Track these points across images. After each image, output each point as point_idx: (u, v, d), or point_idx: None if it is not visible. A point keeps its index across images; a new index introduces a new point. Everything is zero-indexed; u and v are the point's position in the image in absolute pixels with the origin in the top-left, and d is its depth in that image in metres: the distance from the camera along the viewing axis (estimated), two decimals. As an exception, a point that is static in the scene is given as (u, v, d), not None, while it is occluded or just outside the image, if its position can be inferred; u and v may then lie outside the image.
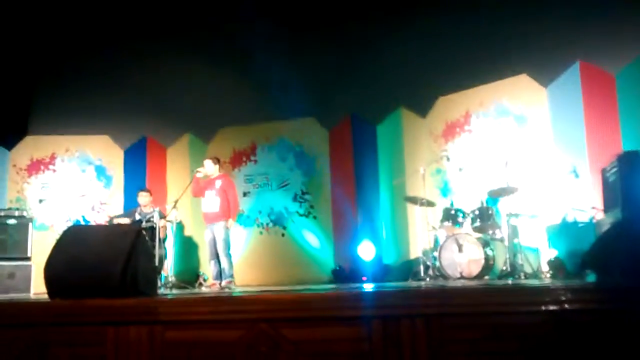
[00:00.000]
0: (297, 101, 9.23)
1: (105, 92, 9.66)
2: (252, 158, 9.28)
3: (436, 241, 6.84)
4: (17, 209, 7.92)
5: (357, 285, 6.51)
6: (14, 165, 9.11)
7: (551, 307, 2.27)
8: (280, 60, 9.54)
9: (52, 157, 9.21)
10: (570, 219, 5.96)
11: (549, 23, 7.64)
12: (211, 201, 7.20)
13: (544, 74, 7.31)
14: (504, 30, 7.99)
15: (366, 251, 8.02)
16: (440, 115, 8.27)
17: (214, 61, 9.57)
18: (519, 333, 2.28)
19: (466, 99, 8.00)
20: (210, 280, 7.37)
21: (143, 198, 7.96)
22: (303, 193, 8.95)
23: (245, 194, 9.04)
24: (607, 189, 5.43)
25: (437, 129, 8.25)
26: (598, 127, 6.57)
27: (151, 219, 7.35)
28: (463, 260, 6.35)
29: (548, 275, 5.96)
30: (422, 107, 8.50)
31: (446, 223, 6.79)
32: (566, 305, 2.25)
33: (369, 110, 8.92)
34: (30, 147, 9.22)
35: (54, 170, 9.17)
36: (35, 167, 9.15)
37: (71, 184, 9.15)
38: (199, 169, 7.26)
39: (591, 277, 3.48)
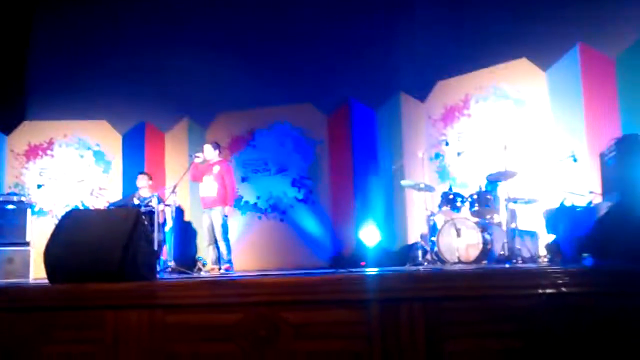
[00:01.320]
0: (296, 86, 9.21)
1: (102, 76, 9.61)
2: (251, 143, 9.26)
3: (434, 226, 6.85)
4: (16, 194, 7.93)
5: (356, 269, 6.53)
6: (12, 151, 9.09)
7: (548, 290, 2.28)
8: (278, 45, 9.50)
9: (50, 143, 9.18)
10: (568, 204, 5.96)
11: (548, 6, 7.60)
12: (209, 186, 7.21)
13: (544, 57, 7.28)
14: (503, 13, 7.95)
15: (370, 236, 8.06)
16: (439, 100, 8.25)
17: (212, 46, 9.52)
18: (516, 316, 2.29)
19: (465, 83, 7.98)
20: (209, 265, 7.39)
21: (141, 181, 7.93)
22: (302, 178, 8.95)
23: (243, 179, 9.03)
24: (606, 172, 5.43)
25: (436, 113, 8.24)
26: (597, 110, 6.57)
27: (150, 204, 7.35)
28: (461, 244, 6.36)
29: (546, 259, 5.99)
30: (421, 92, 8.48)
31: (444, 208, 6.79)
32: (563, 289, 2.26)
33: (368, 95, 8.90)
34: (28, 133, 9.19)
35: (52, 156, 9.15)
36: (33, 152, 9.13)
37: (69, 169, 9.14)
38: (197, 154, 7.24)
39: (589, 261, 3.50)
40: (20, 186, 8.91)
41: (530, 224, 6.65)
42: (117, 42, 9.78)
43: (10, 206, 7.55)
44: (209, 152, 7.34)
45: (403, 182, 7.47)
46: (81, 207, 8.79)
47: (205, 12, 9.71)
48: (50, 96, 9.76)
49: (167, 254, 7.41)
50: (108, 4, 9.84)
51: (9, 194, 8.06)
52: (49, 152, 9.15)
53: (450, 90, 8.13)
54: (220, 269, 7.06)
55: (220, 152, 7.59)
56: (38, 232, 7.56)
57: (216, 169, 7.28)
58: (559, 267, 2.70)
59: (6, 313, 2.62)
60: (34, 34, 10.25)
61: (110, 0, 9.88)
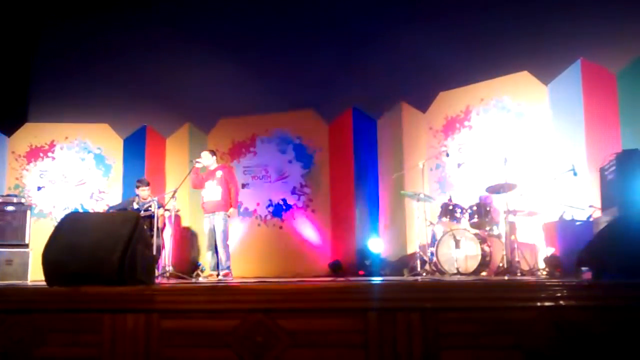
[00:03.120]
0: (298, 93, 9.24)
1: (105, 80, 9.64)
2: (252, 149, 9.27)
3: (433, 236, 6.85)
4: (16, 196, 7.92)
5: (354, 278, 6.52)
6: (13, 152, 9.09)
7: (547, 303, 2.28)
8: (282, 52, 9.54)
9: (52, 145, 9.19)
10: (567, 217, 5.97)
11: (551, 20, 7.65)
12: (212, 190, 7.20)
13: (545, 71, 7.30)
14: (506, 26, 8.00)
15: (375, 245, 8.12)
16: (441, 111, 8.27)
17: (214, 51, 9.55)
18: (514, 328, 2.29)
19: (467, 94, 7.99)
20: (208, 271, 7.37)
21: (143, 192, 7.87)
22: (302, 186, 8.96)
23: (243, 186, 9.02)
24: (605, 187, 5.44)
25: (437, 124, 8.25)
26: (598, 125, 6.58)
27: (149, 208, 7.33)
28: (460, 256, 6.36)
29: (544, 272, 5.98)
30: (423, 102, 8.49)
31: (444, 218, 6.79)
32: (562, 302, 2.26)
33: (369, 104, 8.91)
34: (30, 134, 9.19)
35: (53, 158, 9.16)
36: (34, 154, 9.13)
37: (70, 172, 9.14)
38: (197, 160, 7.24)
39: (587, 275, 3.50)
40: (21, 188, 8.92)
41: (529, 237, 6.65)
42: (120, 46, 9.82)
43: (10, 207, 7.54)
44: (207, 159, 7.34)
45: (403, 192, 7.48)
46: (81, 210, 8.78)
47: (207, 17, 9.76)
48: (53, 98, 9.79)
49: (165, 259, 7.39)
50: (111, 9, 9.89)
51: (8, 195, 8.04)
52: (49, 154, 9.16)
53: (452, 101, 8.15)
54: (218, 275, 7.04)
55: (218, 157, 7.61)
56: (37, 234, 7.54)
57: (219, 173, 7.28)
58: (557, 281, 2.70)
59: (2, 314, 2.62)
60: (38, 37, 10.30)
61: (113, 5, 9.92)
